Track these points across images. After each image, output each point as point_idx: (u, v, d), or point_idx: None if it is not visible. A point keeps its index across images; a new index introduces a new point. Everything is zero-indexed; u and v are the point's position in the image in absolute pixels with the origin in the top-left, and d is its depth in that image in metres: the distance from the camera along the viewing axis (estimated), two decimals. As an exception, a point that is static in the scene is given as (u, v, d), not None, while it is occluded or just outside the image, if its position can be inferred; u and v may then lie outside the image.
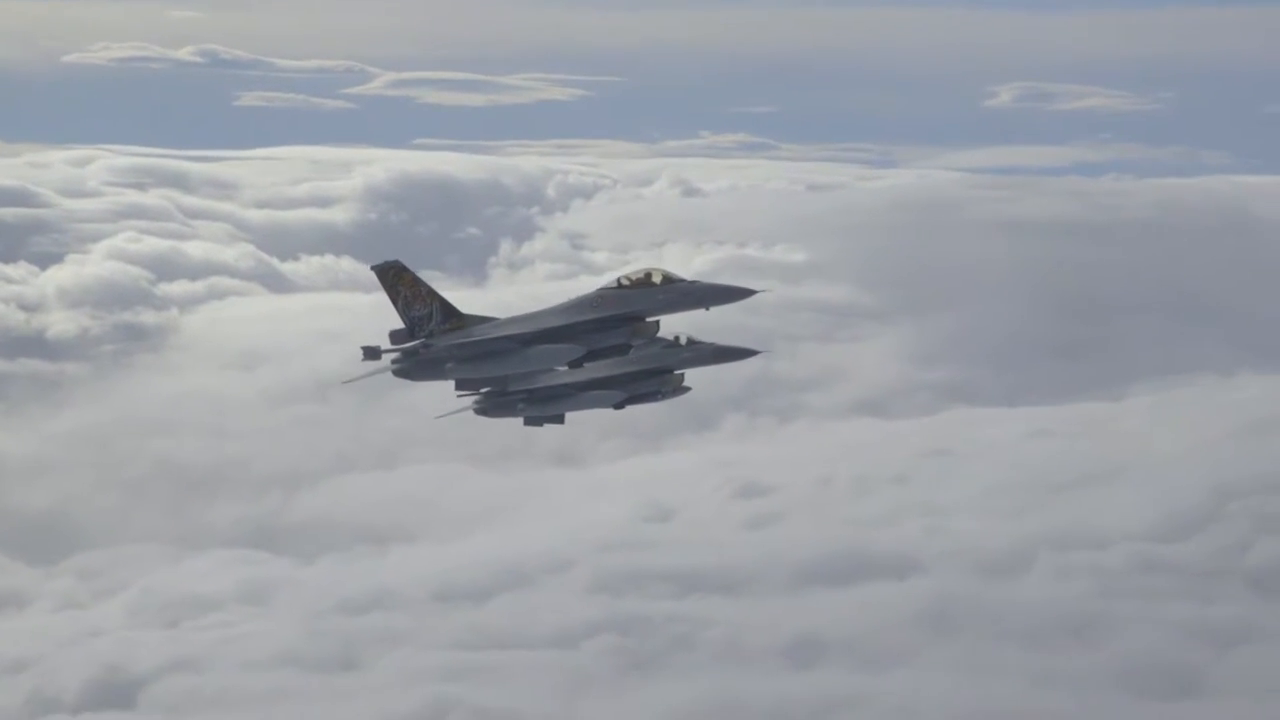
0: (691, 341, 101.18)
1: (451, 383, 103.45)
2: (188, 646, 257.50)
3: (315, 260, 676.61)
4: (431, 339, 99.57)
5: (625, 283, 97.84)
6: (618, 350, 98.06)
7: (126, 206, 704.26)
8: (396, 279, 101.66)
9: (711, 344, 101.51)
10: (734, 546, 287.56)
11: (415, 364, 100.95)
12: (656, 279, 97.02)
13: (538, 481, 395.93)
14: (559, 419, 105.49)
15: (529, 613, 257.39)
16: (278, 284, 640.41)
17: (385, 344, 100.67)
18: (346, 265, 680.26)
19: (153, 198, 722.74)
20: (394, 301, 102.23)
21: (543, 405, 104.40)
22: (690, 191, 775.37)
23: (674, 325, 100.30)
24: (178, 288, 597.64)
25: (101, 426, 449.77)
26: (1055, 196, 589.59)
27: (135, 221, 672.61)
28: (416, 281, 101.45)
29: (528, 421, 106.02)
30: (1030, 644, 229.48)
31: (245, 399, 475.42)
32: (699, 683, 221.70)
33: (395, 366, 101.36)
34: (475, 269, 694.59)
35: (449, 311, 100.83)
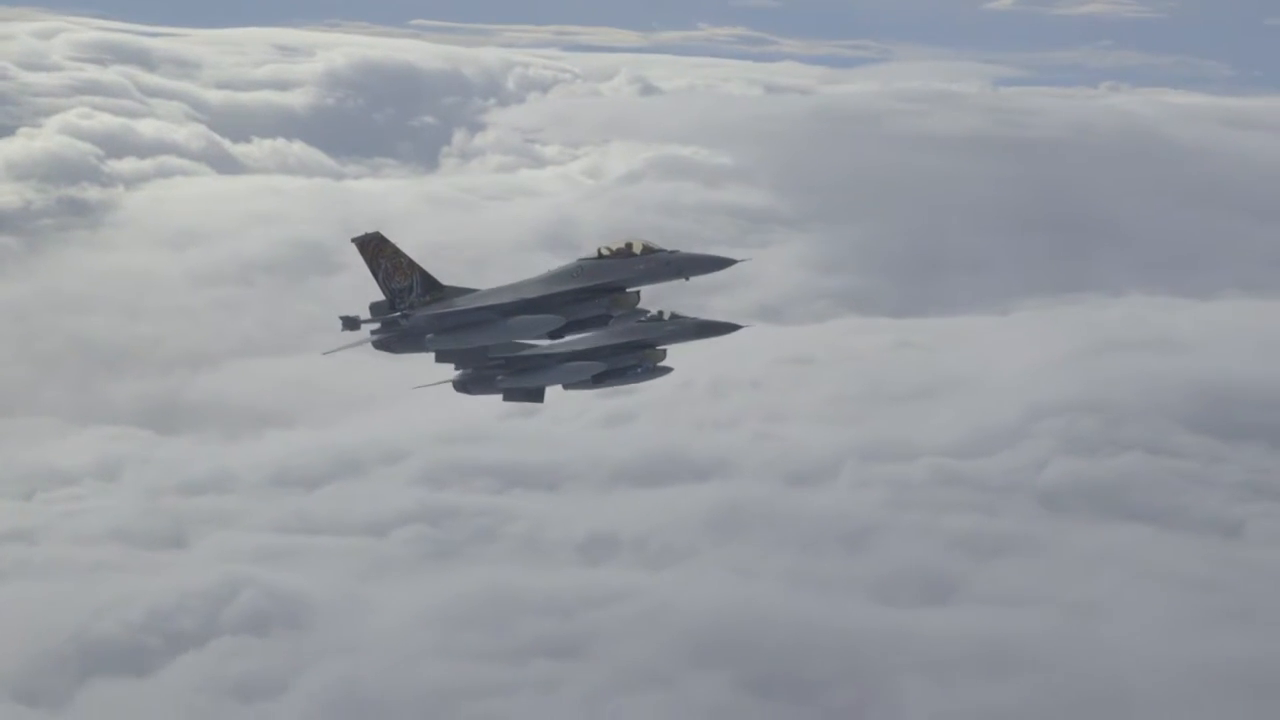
0: (674, 316, 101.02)
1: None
2: (31, 518, 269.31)
3: (267, 144, 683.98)
4: (412, 310, 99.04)
5: (605, 253, 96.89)
6: (598, 321, 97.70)
7: (84, 82, 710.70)
8: (377, 251, 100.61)
9: (694, 319, 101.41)
10: (570, 444, 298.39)
11: (395, 336, 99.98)
12: (636, 249, 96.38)
13: (429, 373, 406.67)
14: (538, 397, 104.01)
15: (351, 501, 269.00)
16: (226, 165, 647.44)
17: (365, 315, 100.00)
18: (298, 150, 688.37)
19: (112, 74, 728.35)
20: (374, 274, 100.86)
21: (521, 376, 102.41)
22: (647, 90, 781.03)
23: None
24: (126, 165, 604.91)
25: (23, 300, 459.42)
26: (971, 112, 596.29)
27: (91, 98, 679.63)
28: (397, 253, 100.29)
29: (506, 397, 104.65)
30: (805, 550, 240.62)
31: (169, 279, 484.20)
32: (484, 574, 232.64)
33: (375, 338, 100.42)
34: (427, 157, 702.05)
35: (429, 283, 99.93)
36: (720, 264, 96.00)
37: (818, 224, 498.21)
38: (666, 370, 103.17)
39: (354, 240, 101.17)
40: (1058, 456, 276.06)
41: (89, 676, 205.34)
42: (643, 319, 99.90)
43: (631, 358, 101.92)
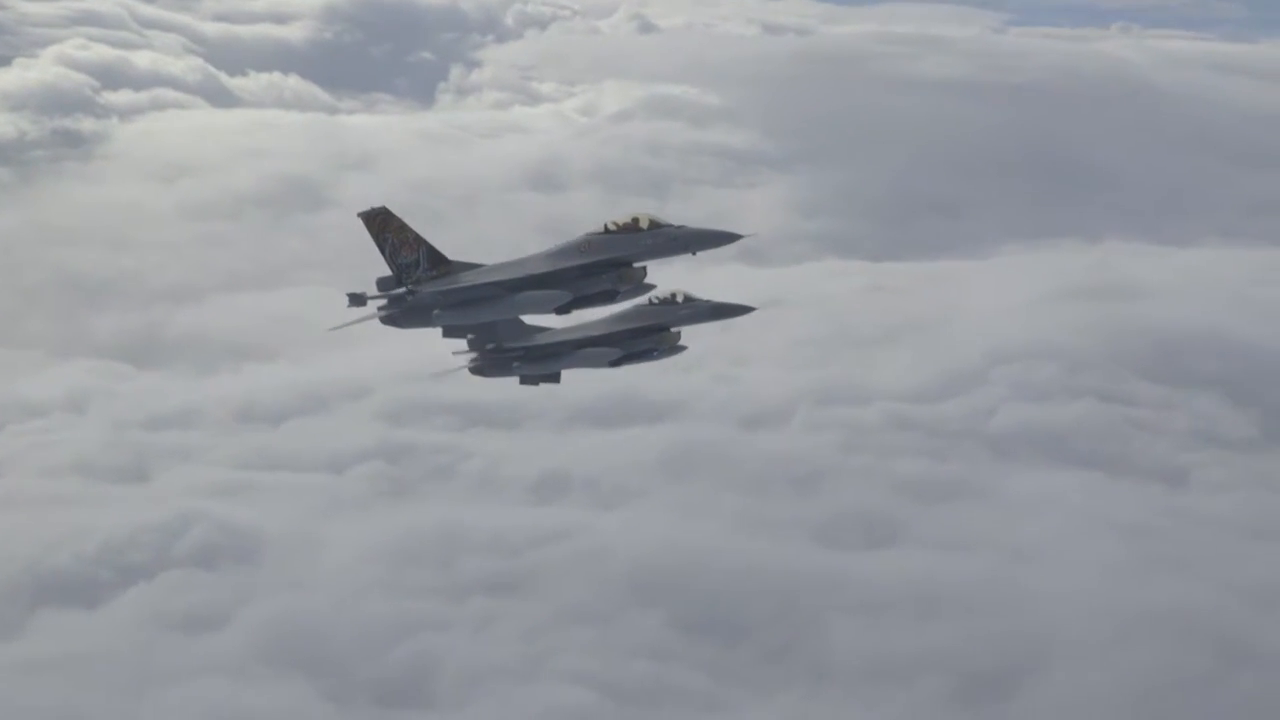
0: (688, 299, 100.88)
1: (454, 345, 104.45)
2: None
3: (263, 77, 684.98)
4: (418, 285, 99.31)
5: (612, 228, 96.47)
6: (605, 296, 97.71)
7: (81, 13, 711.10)
8: (384, 225, 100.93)
9: (708, 301, 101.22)
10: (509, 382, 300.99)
11: (402, 311, 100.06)
12: (643, 224, 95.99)
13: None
14: (555, 378, 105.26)
15: (313, 437, 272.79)
16: (222, 99, 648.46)
17: (371, 290, 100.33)
18: (294, 84, 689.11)
19: (109, 5, 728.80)
20: (381, 249, 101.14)
21: (538, 364, 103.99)
22: (645, 27, 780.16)
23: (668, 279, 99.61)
24: (121, 97, 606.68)
25: (11, 231, 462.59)
26: (960, 56, 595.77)
27: (88, 28, 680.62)
28: (403, 228, 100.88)
29: (523, 381, 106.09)
30: (752, 492, 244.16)
31: (158, 212, 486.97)
32: (436, 511, 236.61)
33: (382, 314, 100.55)
34: (423, 93, 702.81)
35: (436, 258, 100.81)
36: (727, 239, 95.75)
37: (803, 166, 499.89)
38: (682, 349, 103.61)
39: (360, 215, 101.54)
40: (1010, 403, 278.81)
41: (39, 607, 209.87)
42: (655, 301, 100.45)
43: (647, 341, 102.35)
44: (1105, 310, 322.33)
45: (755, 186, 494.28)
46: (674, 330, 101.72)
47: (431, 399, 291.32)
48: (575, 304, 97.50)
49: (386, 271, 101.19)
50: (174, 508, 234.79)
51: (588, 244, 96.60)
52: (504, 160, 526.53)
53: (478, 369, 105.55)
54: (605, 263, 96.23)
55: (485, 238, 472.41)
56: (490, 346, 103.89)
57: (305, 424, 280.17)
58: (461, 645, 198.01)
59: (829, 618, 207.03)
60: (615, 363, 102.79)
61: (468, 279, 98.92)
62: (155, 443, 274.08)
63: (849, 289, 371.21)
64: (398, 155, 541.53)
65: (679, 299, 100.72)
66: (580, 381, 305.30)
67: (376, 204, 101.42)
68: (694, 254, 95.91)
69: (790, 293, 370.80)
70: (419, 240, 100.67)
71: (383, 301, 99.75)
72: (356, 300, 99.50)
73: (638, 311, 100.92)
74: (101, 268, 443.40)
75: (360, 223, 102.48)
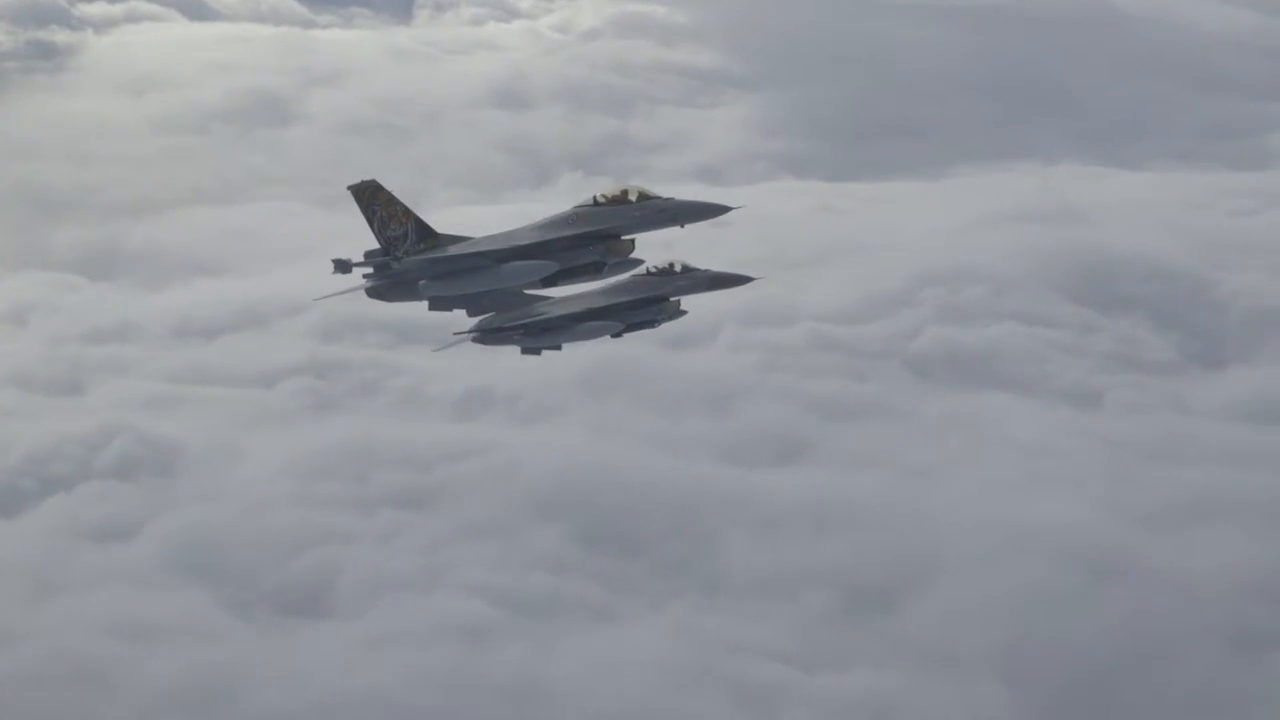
0: (687, 268, 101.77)
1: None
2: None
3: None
4: (406, 256, 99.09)
5: (601, 199, 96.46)
6: (593, 268, 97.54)
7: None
8: (373, 198, 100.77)
9: (706, 270, 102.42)
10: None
11: (389, 283, 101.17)
12: (632, 196, 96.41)
13: (365, 225, 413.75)
14: (557, 346, 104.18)
15: (247, 352, 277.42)
16: (197, 12, 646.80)
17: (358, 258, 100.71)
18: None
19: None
20: (370, 221, 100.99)
21: (541, 337, 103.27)
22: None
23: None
24: (96, 9, 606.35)
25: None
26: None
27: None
28: (392, 200, 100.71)
29: (525, 351, 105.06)
30: (668, 411, 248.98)
31: (125, 125, 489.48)
32: (356, 426, 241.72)
33: (368, 285, 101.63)
34: (401, 8, 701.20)
35: (424, 231, 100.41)
36: (715, 211, 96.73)
37: (767, 85, 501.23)
38: (683, 314, 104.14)
39: (350, 188, 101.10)
40: (934, 325, 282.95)
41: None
42: (654, 271, 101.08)
43: (648, 311, 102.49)
44: (1040, 233, 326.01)
45: (718, 106, 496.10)
46: (674, 300, 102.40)
47: (367, 317, 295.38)
48: (562, 275, 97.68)
49: (373, 243, 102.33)
50: (101, 420, 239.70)
51: (576, 216, 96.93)
52: (471, 78, 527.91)
53: (481, 341, 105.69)
54: (593, 234, 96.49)
55: (447, 155, 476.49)
56: (489, 315, 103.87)
57: (241, 339, 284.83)
58: (365, 557, 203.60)
59: (726, 533, 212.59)
60: (617, 335, 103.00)
61: (455, 250, 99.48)
62: (92, 356, 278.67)
63: (797, 209, 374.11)
64: (367, 71, 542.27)
65: (677, 268, 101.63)
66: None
67: (366, 177, 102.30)
68: (682, 226, 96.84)
69: (739, 212, 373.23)
70: (408, 213, 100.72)
71: (368, 269, 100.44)
72: (342, 266, 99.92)
73: (636, 282, 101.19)
74: (64, 181, 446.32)
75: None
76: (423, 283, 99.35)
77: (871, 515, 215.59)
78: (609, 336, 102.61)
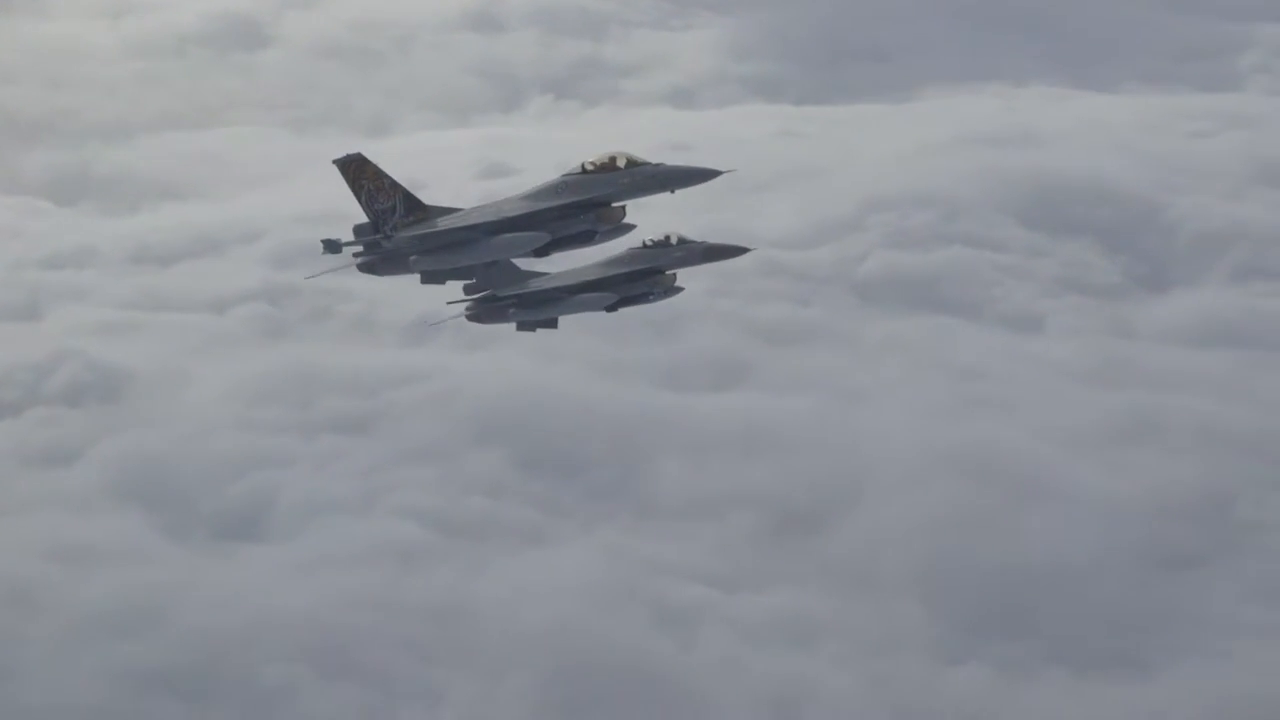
0: (682, 241, 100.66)
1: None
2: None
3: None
4: (395, 231, 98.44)
5: (589, 167, 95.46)
6: (584, 237, 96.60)
7: None
8: (359, 172, 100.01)
9: (702, 243, 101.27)
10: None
11: (379, 258, 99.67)
12: (620, 163, 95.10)
13: (337, 147, 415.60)
14: (552, 323, 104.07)
15: (202, 278, 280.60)
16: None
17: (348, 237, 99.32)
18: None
19: None
20: (357, 196, 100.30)
21: (535, 310, 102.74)
22: None
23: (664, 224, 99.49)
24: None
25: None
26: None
27: None
28: (379, 174, 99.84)
29: (520, 327, 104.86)
30: (612, 337, 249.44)
31: (101, 49, 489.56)
32: (305, 352, 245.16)
33: (359, 261, 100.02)
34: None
35: (412, 204, 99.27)
36: (705, 175, 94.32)
37: (739, 8, 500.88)
38: (679, 290, 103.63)
39: (335, 162, 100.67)
40: (881, 249, 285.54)
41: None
42: (649, 244, 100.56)
43: (643, 284, 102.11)
44: (994, 157, 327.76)
45: (691, 29, 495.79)
46: (669, 272, 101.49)
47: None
48: (554, 245, 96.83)
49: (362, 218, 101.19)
50: (54, 346, 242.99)
51: (565, 185, 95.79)
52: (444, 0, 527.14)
53: (474, 316, 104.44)
54: (583, 203, 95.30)
55: (420, 78, 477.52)
56: (485, 293, 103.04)
57: (198, 266, 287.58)
58: (302, 481, 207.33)
59: (660, 456, 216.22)
60: (611, 307, 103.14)
61: (445, 223, 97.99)
62: (50, 282, 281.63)
63: (760, 134, 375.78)
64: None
65: (672, 240, 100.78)
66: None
67: (352, 151, 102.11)
68: (672, 192, 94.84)
69: (704, 137, 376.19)
70: (395, 186, 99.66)
71: (358, 248, 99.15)
72: (331, 246, 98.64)
73: (631, 255, 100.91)
74: (37, 105, 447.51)
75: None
76: (413, 258, 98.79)
77: (803, 438, 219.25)
78: (603, 310, 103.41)
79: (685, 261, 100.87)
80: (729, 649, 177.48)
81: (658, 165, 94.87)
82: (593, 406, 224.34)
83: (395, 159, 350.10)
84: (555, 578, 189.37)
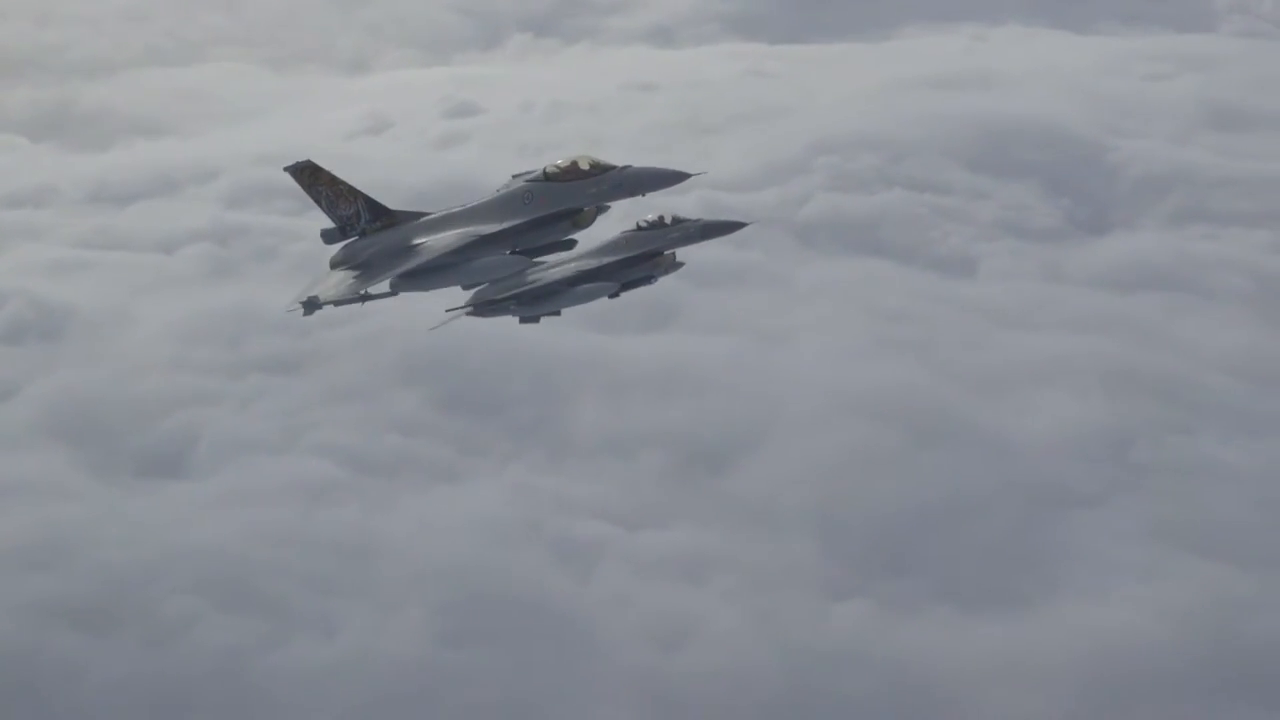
0: (677, 220, 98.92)
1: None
2: None
3: None
4: (364, 238, 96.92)
5: (552, 172, 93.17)
6: (564, 245, 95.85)
7: None
8: (313, 179, 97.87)
9: (698, 221, 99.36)
10: (389, 165, 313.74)
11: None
12: (584, 165, 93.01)
13: (315, 85, 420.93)
14: (556, 312, 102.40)
15: (155, 218, 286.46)
16: None
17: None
18: None
19: None
20: (317, 202, 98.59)
21: (536, 305, 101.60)
22: None
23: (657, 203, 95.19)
24: None
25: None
26: None
27: None
28: (334, 180, 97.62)
29: (523, 320, 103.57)
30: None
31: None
32: (245, 292, 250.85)
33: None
34: None
35: (376, 209, 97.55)
36: (675, 178, 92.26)
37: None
38: (680, 265, 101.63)
39: (287, 169, 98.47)
40: (824, 192, 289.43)
41: None
42: (644, 226, 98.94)
43: (644, 268, 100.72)
44: (946, 99, 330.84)
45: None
46: (669, 253, 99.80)
47: (279, 183, 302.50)
48: (534, 252, 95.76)
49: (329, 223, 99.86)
50: (0, 285, 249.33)
51: (530, 194, 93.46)
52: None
53: (477, 312, 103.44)
54: (555, 215, 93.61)
55: (400, 15, 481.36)
56: (481, 288, 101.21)
57: (153, 205, 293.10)
58: (226, 420, 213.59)
59: (580, 397, 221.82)
60: (614, 295, 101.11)
61: (416, 235, 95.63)
62: (7, 220, 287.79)
63: (728, 73, 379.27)
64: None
65: (668, 221, 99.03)
66: (436, 163, 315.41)
67: (301, 159, 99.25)
68: (644, 195, 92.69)
69: (673, 76, 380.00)
70: (354, 192, 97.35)
71: (341, 296, 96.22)
72: (310, 307, 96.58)
73: (628, 239, 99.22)
74: (23, 41, 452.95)
75: None
76: (392, 283, 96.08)
77: (720, 380, 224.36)
78: (607, 297, 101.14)
79: (683, 241, 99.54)
80: (623, 584, 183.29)
81: (624, 168, 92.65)
82: (518, 348, 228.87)
83: (369, 97, 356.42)
84: (462, 514, 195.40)
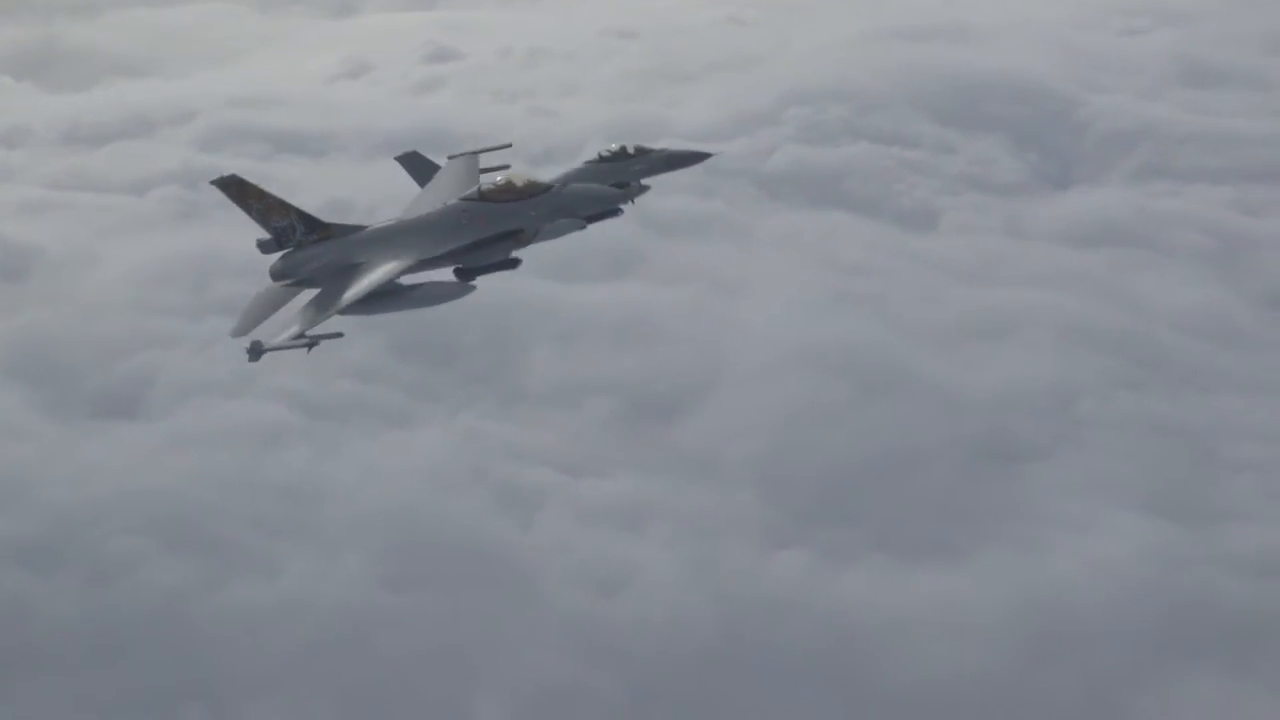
0: (641, 150, 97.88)
1: None
2: None
3: None
4: (301, 249, 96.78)
5: (488, 191, 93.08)
6: (508, 264, 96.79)
7: None
8: (241, 193, 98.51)
9: (662, 151, 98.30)
10: (365, 112, 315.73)
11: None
12: (519, 183, 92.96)
13: (300, 27, 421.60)
14: (513, 264, 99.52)
15: (128, 160, 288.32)
16: None
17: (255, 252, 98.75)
18: None
19: None
20: (249, 214, 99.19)
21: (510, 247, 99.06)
22: None
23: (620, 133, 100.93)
24: None
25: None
26: None
27: None
28: (263, 194, 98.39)
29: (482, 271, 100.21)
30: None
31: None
32: (209, 235, 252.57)
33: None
34: None
35: (311, 223, 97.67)
36: (620, 199, 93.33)
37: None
38: (646, 189, 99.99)
39: (213, 183, 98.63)
40: (791, 144, 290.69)
41: None
42: (606, 156, 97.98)
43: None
44: (918, 51, 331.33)
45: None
46: (637, 183, 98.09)
47: (254, 125, 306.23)
48: (476, 273, 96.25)
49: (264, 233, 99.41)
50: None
51: (468, 214, 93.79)
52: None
53: (460, 274, 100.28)
54: (496, 236, 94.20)
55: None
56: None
57: (124, 146, 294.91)
58: (183, 362, 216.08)
59: (535, 345, 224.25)
60: (582, 227, 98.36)
61: (356, 253, 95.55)
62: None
63: (706, 20, 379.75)
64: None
65: (630, 151, 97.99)
66: (412, 109, 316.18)
67: (225, 172, 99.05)
68: (586, 217, 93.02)
69: (654, 22, 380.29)
70: (285, 205, 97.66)
71: (279, 348, 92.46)
72: (254, 353, 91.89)
73: (591, 170, 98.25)
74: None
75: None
76: (336, 313, 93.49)
77: (674, 330, 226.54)
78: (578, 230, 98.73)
79: (646, 172, 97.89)
80: (563, 531, 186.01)
81: (562, 187, 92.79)
82: (477, 296, 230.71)
83: (352, 40, 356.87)
84: (410, 460, 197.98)
